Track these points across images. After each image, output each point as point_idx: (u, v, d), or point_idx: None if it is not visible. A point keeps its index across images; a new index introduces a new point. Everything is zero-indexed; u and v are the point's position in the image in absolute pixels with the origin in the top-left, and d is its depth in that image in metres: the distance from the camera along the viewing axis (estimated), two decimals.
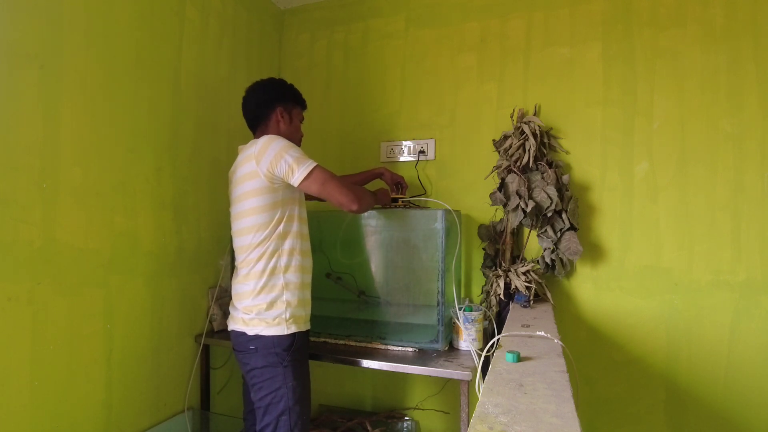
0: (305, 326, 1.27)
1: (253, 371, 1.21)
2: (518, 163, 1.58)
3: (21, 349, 1.06)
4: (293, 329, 1.20)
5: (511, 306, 1.48)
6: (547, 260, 1.56)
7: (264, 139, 1.20)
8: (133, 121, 1.35)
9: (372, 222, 1.61)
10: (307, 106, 1.45)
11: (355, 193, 1.24)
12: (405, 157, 1.86)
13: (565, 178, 1.56)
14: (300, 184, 1.18)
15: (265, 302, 1.19)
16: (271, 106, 1.33)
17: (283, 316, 1.19)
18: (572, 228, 1.53)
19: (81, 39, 1.19)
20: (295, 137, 1.37)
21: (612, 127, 1.60)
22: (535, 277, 1.54)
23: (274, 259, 1.20)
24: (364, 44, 1.96)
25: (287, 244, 1.22)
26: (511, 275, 1.54)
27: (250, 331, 1.19)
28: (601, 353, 1.60)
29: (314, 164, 1.19)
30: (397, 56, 1.90)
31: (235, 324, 1.24)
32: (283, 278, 1.20)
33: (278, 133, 1.30)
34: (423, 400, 1.81)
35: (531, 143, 1.56)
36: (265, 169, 1.17)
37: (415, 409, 1.81)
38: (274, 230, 1.20)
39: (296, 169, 1.17)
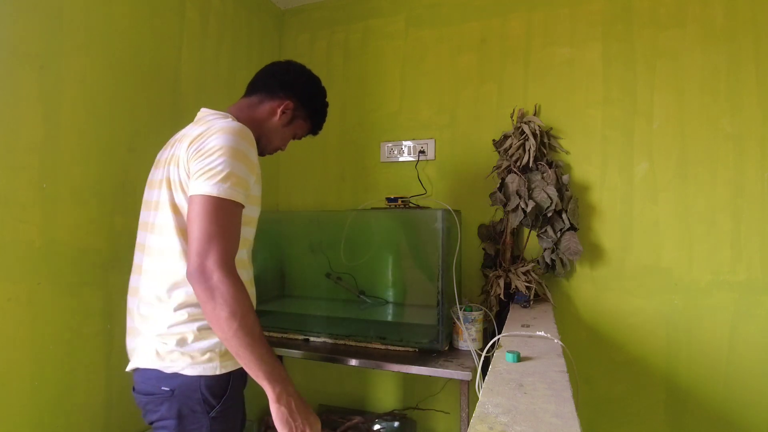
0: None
1: (162, 423, 0.89)
2: (518, 163, 1.58)
3: (21, 349, 1.06)
4: (230, 367, 0.90)
5: (511, 306, 1.48)
6: (547, 260, 1.56)
7: (221, 125, 0.90)
8: (133, 121, 1.35)
9: (372, 222, 1.61)
10: (317, 134, 1.21)
11: (223, 274, 0.81)
12: (405, 157, 1.86)
13: (565, 178, 1.56)
14: (192, 195, 0.85)
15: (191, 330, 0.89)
16: (287, 92, 1.07)
17: (217, 350, 0.89)
18: (572, 228, 1.53)
19: (81, 39, 1.19)
20: (274, 138, 1.09)
21: (612, 127, 1.60)
22: (535, 277, 1.54)
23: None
24: (364, 44, 1.96)
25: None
26: (511, 275, 1.54)
27: (167, 369, 0.88)
28: (601, 353, 1.60)
29: (231, 197, 0.85)
30: (397, 56, 1.90)
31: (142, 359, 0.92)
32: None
33: (269, 125, 1.07)
34: (423, 400, 1.81)
35: (531, 143, 1.56)
36: (186, 159, 0.89)
37: (415, 409, 1.81)
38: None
39: (210, 177, 0.84)
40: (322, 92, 1.16)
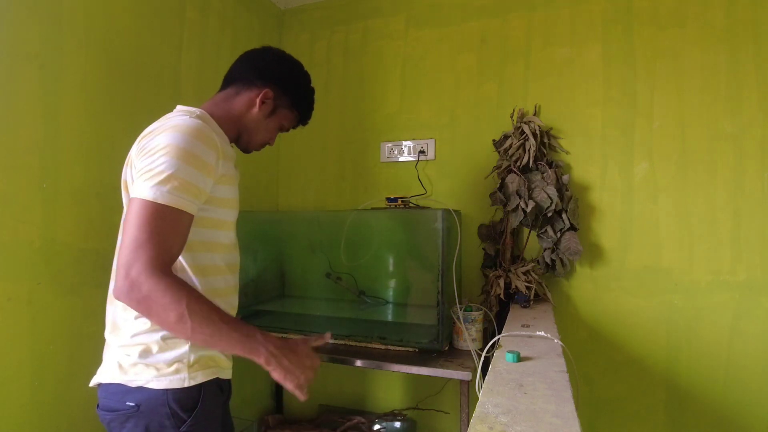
0: (223, 373, 0.89)
1: None
2: (518, 163, 1.58)
3: (21, 349, 1.06)
4: (200, 379, 0.83)
5: (511, 306, 1.48)
6: (547, 260, 1.56)
7: (174, 122, 0.82)
8: (133, 121, 1.35)
9: (372, 222, 1.61)
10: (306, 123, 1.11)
11: (158, 279, 0.71)
12: (405, 157, 1.86)
13: (565, 178, 1.56)
14: (131, 197, 0.77)
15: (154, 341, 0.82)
16: (265, 80, 0.97)
17: (185, 361, 0.82)
18: (572, 228, 1.53)
19: (81, 39, 1.19)
20: (256, 132, 1.00)
21: (612, 127, 1.60)
22: (535, 277, 1.54)
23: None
24: (364, 44, 1.96)
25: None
26: (512, 275, 1.54)
27: (131, 382, 0.82)
28: (601, 353, 1.60)
29: (170, 202, 0.75)
30: (397, 56, 1.90)
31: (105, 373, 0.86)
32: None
33: (249, 117, 0.97)
34: (423, 400, 1.80)
35: (531, 143, 1.56)
36: (134, 157, 0.84)
37: (415, 409, 1.81)
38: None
39: (148, 179, 0.75)
40: (304, 77, 1.05)
